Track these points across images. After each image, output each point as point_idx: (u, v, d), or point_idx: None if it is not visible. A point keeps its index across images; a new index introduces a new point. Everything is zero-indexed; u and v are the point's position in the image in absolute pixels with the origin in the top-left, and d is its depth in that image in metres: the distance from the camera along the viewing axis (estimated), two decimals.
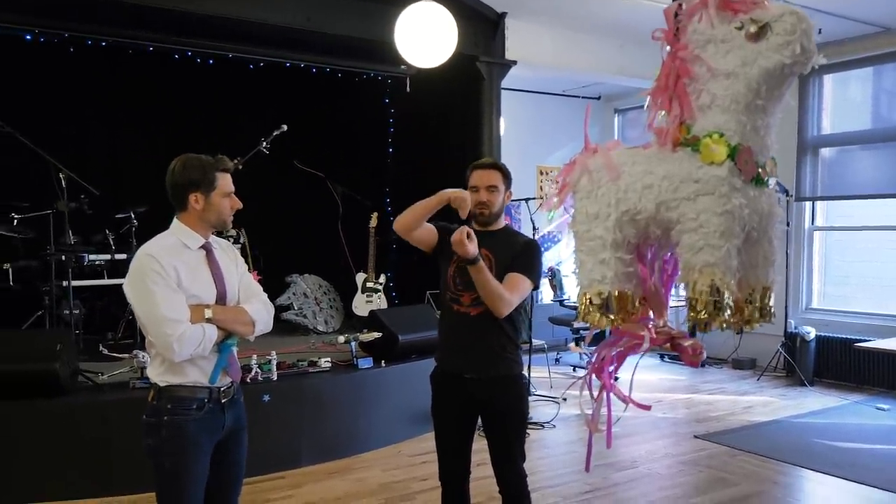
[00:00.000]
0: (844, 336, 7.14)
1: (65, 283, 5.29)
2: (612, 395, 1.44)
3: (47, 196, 5.43)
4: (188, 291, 2.50)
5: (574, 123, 9.62)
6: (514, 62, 6.76)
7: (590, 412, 1.47)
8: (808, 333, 7.26)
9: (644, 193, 1.25)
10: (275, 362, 4.86)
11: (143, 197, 5.95)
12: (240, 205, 2.65)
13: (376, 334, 5.34)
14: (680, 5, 1.31)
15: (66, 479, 4.16)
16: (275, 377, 4.83)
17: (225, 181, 2.60)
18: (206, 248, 2.62)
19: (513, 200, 8.64)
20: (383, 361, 5.36)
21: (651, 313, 1.42)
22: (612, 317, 1.29)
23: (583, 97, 9.70)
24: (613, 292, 1.30)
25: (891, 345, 5.29)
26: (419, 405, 5.44)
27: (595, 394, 1.51)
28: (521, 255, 2.95)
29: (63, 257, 5.18)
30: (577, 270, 1.30)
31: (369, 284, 6.94)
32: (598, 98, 9.85)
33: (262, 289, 2.79)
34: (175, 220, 2.61)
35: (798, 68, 1.27)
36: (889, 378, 6.87)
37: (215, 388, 2.57)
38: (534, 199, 7.45)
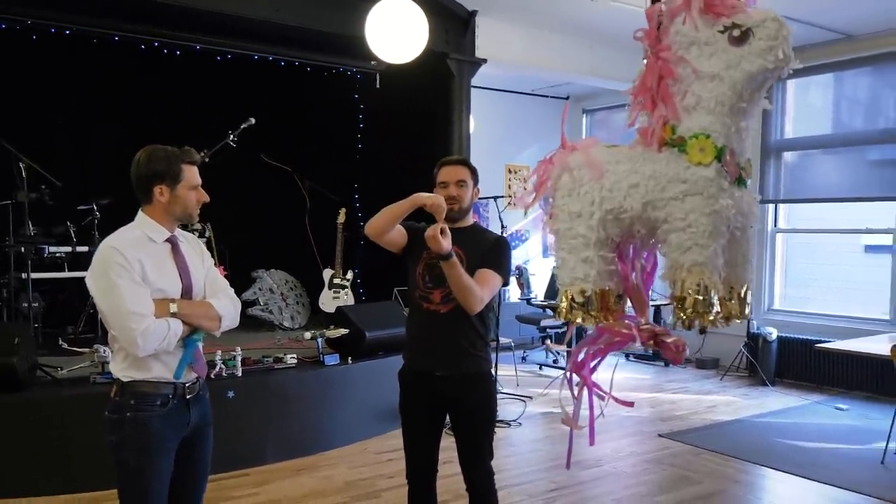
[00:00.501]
0: (805, 337, 7.27)
1: (23, 276, 5.16)
2: (593, 392, 1.44)
3: (5, 187, 5.31)
4: (153, 285, 2.45)
5: (543, 123, 9.67)
6: (485, 60, 6.76)
7: (570, 410, 1.47)
8: (770, 334, 7.38)
9: (630, 192, 1.26)
10: (239, 358, 4.80)
11: (107, 189, 5.84)
12: (206, 198, 2.60)
13: (343, 331, 5.30)
14: (661, 7, 1.31)
15: (25, 476, 4.07)
16: (239, 373, 4.77)
17: (191, 173, 2.55)
18: (172, 241, 2.57)
19: (481, 198, 8.66)
20: (350, 358, 5.33)
21: (630, 311, 1.43)
22: (594, 315, 1.30)
23: (551, 97, 9.76)
24: (596, 290, 1.30)
25: (850, 346, 5.39)
26: (385, 402, 5.42)
27: (575, 392, 1.51)
28: (490, 252, 2.96)
29: (22, 249, 5.05)
30: (557, 269, 1.29)
31: (336, 280, 6.89)
32: (567, 98, 9.90)
33: (228, 283, 2.75)
34: (140, 213, 2.56)
35: (777, 73, 1.29)
36: (848, 379, 7.01)
37: (180, 383, 2.52)
38: (502, 197, 7.45)
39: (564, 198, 1.26)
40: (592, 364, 1.47)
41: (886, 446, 4.97)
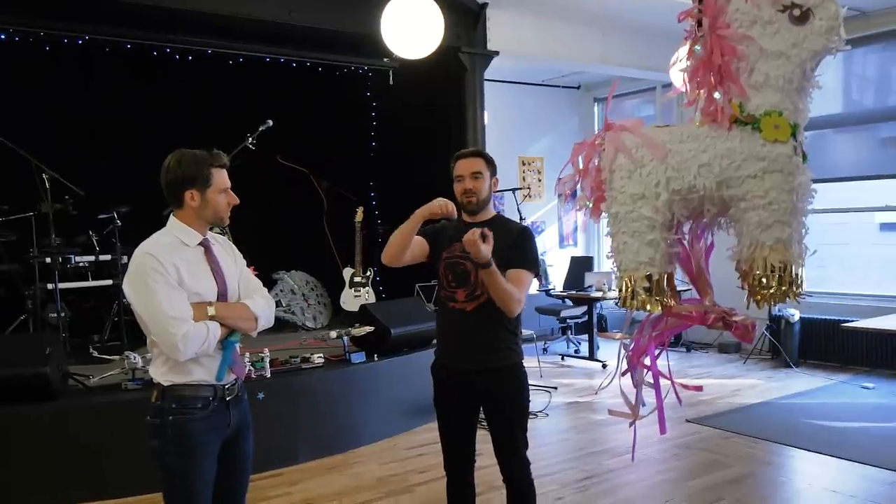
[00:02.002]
0: (827, 317, 7.24)
1: (49, 286, 5.20)
2: (658, 379, 1.43)
3: (28, 198, 5.35)
4: (190, 289, 2.46)
5: (554, 113, 9.67)
6: (497, 53, 6.75)
7: (629, 398, 1.46)
8: (793, 316, 7.36)
9: (700, 172, 1.24)
10: (268, 360, 4.83)
11: (126, 197, 5.89)
12: (236, 200, 2.61)
13: (368, 328, 5.32)
14: None
15: (59, 484, 4.10)
16: (268, 374, 4.80)
17: (221, 177, 2.55)
18: (205, 244, 2.58)
19: (497, 191, 8.67)
20: (376, 355, 5.35)
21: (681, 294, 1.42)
22: (660, 299, 1.29)
23: (563, 87, 9.73)
24: (662, 274, 1.29)
25: (876, 324, 5.37)
26: (413, 398, 5.46)
27: (633, 378, 1.50)
28: (516, 248, 2.94)
29: (48, 259, 5.09)
30: (616, 253, 1.28)
31: (357, 279, 6.92)
32: (578, 87, 9.89)
33: (261, 284, 2.77)
34: (171, 218, 2.57)
35: (832, 52, 1.30)
36: (872, 357, 6.99)
37: (220, 385, 2.54)
38: (519, 189, 7.46)
39: (624, 180, 1.25)
40: (656, 350, 1.47)
41: None
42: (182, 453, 2.47)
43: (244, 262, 2.78)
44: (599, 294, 7.71)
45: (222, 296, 2.57)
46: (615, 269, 1.31)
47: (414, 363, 5.55)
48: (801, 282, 1.43)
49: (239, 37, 6.16)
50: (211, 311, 2.48)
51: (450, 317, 2.99)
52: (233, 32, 6.02)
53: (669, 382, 1.48)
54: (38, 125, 6.16)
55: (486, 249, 2.67)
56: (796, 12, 1.25)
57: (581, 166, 1.30)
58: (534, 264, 2.96)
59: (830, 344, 7.27)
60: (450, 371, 3.01)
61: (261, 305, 2.64)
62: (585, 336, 8.33)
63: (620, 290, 1.28)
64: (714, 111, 1.27)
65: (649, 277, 1.27)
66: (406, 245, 2.90)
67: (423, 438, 5.23)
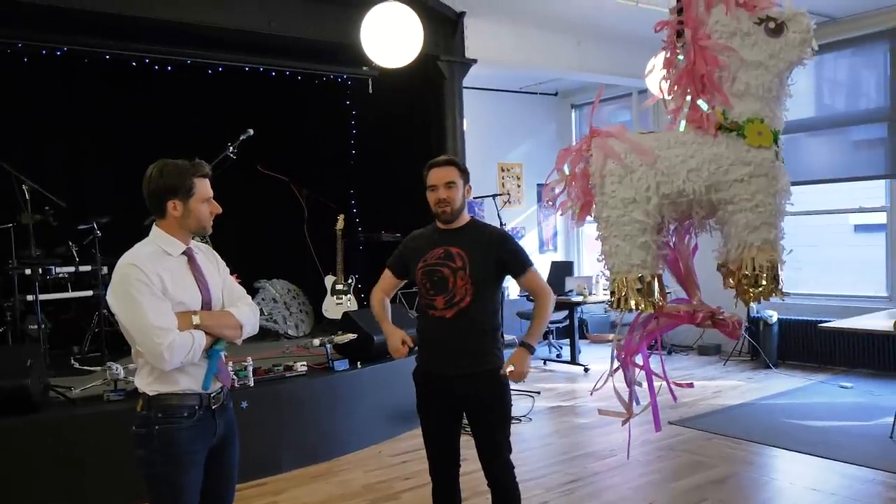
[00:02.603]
0: (805, 318, 7.34)
1: (29, 297, 5.15)
2: (651, 378, 1.47)
3: (6, 209, 5.31)
4: (174, 299, 2.46)
5: (532, 120, 9.74)
6: (475, 61, 6.81)
7: (618, 398, 1.49)
8: (771, 317, 7.45)
9: (689, 176, 1.29)
10: (251, 368, 4.82)
11: (106, 207, 5.85)
12: (219, 210, 2.61)
13: (351, 336, 5.33)
14: None
15: (40, 496, 4.05)
16: (252, 383, 4.79)
17: (203, 186, 2.55)
18: (188, 254, 2.58)
19: (476, 197, 8.71)
20: (359, 363, 5.35)
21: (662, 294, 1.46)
22: (652, 300, 1.33)
23: (540, 94, 9.81)
24: (654, 275, 1.34)
25: (853, 324, 5.46)
26: (397, 405, 5.47)
27: (626, 378, 1.54)
28: (509, 255, 3.03)
29: (27, 271, 5.04)
30: (607, 256, 1.31)
31: (338, 286, 6.92)
32: (556, 94, 9.97)
33: (245, 291, 2.77)
34: (154, 228, 2.57)
35: (803, 63, 1.36)
36: (850, 357, 7.11)
37: (205, 394, 2.54)
38: (499, 195, 7.50)
39: (615, 184, 1.29)
40: (648, 350, 1.50)
41: (894, 421, 5.04)
42: (169, 462, 2.47)
43: (227, 270, 2.78)
44: (580, 298, 7.76)
45: (206, 304, 2.56)
46: (605, 271, 1.34)
47: (397, 370, 5.55)
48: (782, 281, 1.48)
49: (219, 46, 6.14)
50: (196, 319, 2.48)
51: (430, 324, 3.02)
52: (212, 42, 6.01)
53: (661, 381, 1.51)
54: (17, 136, 6.13)
55: (528, 365, 2.98)
56: (771, 25, 1.32)
57: (568, 172, 1.33)
58: (528, 259, 3.09)
59: (808, 344, 7.38)
60: (432, 377, 3.04)
61: (245, 313, 2.64)
62: (567, 340, 8.38)
63: (613, 293, 1.31)
64: (700, 118, 1.32)
65: (641, 279, 1.31)
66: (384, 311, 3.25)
67: (408, 445, 5.24)
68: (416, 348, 3.16)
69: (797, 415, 5.71)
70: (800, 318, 7.42)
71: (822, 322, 5.78)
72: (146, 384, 2.50)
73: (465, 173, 3.08)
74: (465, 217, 3.09)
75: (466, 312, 2.92)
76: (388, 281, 3.23)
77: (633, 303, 1.32)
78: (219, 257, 2.78)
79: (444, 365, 2.97)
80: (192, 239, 2.68)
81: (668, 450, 4.99)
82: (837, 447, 4.85)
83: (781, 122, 1.36)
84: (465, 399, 3.00)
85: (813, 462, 4.66)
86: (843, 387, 6.52)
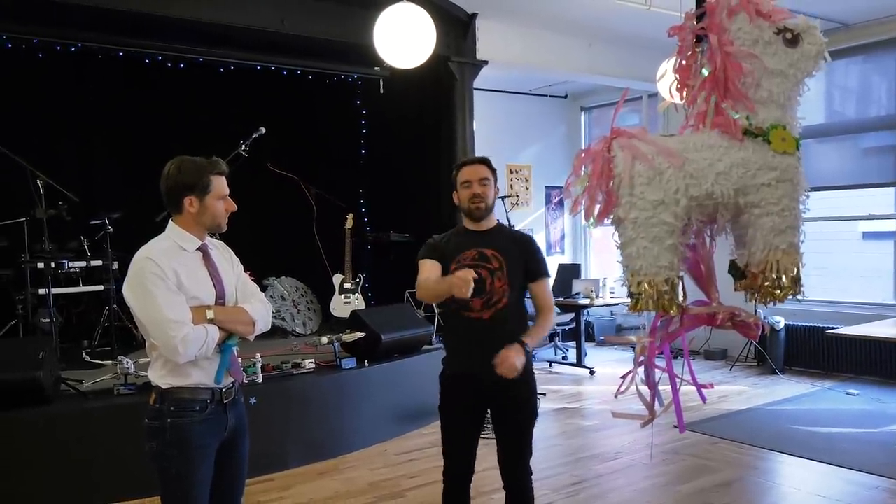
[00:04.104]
0: (812, 324, 7.34)
1: (42, 291, 5.20)
2: (674, 379, 1.49)
3: (19, 203, 5.36)
4: (188, 293, 2.49)
5: (541, 122, 9.75)
6: (486, 62, 6.84)
7: (647, 398, 1.52)
8: (778, 323, 7.44)
9: (718, 179, 1.32)
10: (260, 365, 4.85)
11: (118, 203, 5.90)
12: (234, 207, 2.64)
13: (359, 334, 5.35)
14: (714, 3, 1.38)
15: (51, 488, 4.10)
16: (260, 380, 4.82)
17: (219, 184, 2.58)
18: (203, 249, 2.61)
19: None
20: (366, 361, 5.38)
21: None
22: (679, 302, 1.36)
23: (550, 96, 9.82)
24: (680, 277, 1.37)
25: (861, 331, 5.45)
26: (404, 404, 5.50)
27: (649, 379, 1.56)
28: (533, 259, 3.03)
29: (40, 265, 5.09)
30: (633, 258, 1.33)
31: (346, 285, 6.95)
32: (565, 97, 9.98)
33: (258, 288, 2.80)
34: (170, 223, 2.61)
35: (814, 74, 1.40)
36: (856, 364, 7.09)
37: (217, 388, 2.57)
38: (507, 196, 7.52)
39: (643, 186, 1.31)
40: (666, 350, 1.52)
41: None
42: (180, 455, 2.50)
43: (241, 266, 2.80)
44: (587, 301, 7.77)
45: (220, 300, 2.60)
46: (627, 273, 1.35)
47: (404, 369, 5.60)
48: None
49: (231, 45, 6.20)
50: (210, 314, 2.51)
51: (466, 326, 2.97)
52: (225, 40, 6.07)
53: (684, 382, 1.54)
54: (32, 131, 6.18)
55: (520, 361, 2.79)
56: (788, 35, 1.35)
57: (590, 172, 1.35)
58: (547, 268, 3.10)
59: (815, 351, 7.36)
60: (464, 379, 2.99)
61: (259, 310, 2.67)
62: (573, 343, 8.39)
63: (640, 294, 1.33)
64: (726, 122, 1.34)
65: (668, 281, 1.33)
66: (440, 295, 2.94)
67: (414, 444, 5.27)
68: (446, 350, 3.14)
69: (803, 421, 5.71)
70: (807, 324, 7.42)
71: (829, 329, 5.78)
72: (159, 377, 2.53)
73: (495, 173, 3.08)
74: (493, 219, 3.09)
75: (503, 314, 2.91)
76: (430, 267, 3.00)
77: (658, 304, 1.34)
78: (233, 254, 2.81)
79: (480, 366, 2.87)
80: (210, 236, 2.72)
81: (673, 453, 5.00)
82: (843, 454, 4.85)
83: (799, 129, 1.39)
84: (495, 400, 2.97)
85: (818, 468, 4.67)
86: (849, 394, 6.52)
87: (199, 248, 2.60)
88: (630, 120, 9.62)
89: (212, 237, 2.85)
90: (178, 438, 2.50)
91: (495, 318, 2.90)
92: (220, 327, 2.53)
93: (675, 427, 5.37)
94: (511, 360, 2.78)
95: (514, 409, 2.99)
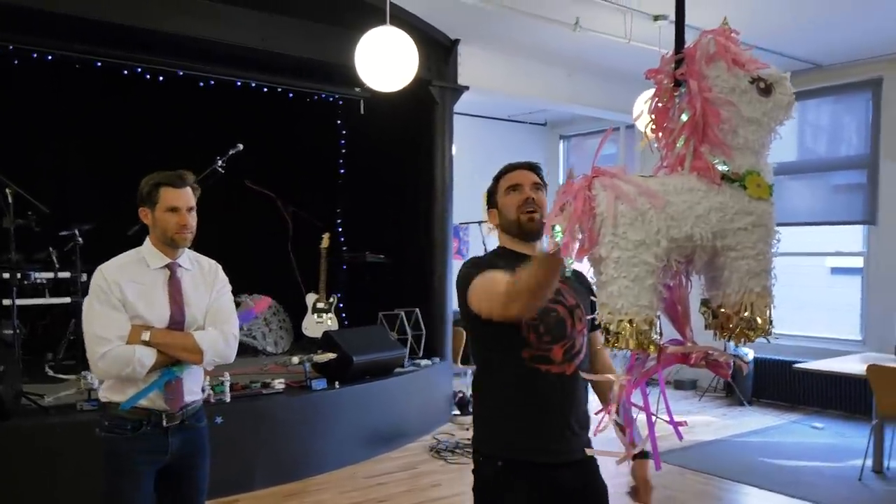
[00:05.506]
0: (781, 358, 7.42)
1: (6, 302, 5.10)
2: (651, 417, 1.50)
3: None
4: (132, 311, 2.45)
5: (520, 148, 9.78)
6: (467, 87, 6.88)
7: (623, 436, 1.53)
8: (746, 355, 7.51)
9: (697, 222, 1.35)
10: (228, 384, 4.79)
11: (90, 215, 5.82)
12: (185, 221, 2.54)
13: (331, 355, 5.32)
14: (692, 48, 1.42)
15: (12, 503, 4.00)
16: (228, 399, 4.76)
17: (168, 195, 2.52)
18: (171, 268, 2.56)
19: (462, 223, 8.66)
20: (337, 382, 5.33)
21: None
22: (656, 341, 1.39)
23: (529, 123, 9.91)
24: (657, 316, 1.39)
25: (827, 366, 5.53)
26: (374, 427, 5.46)
27: (625, 416, 1.57)
28: (590, 299, 2.08)
29: (6, 275, 4.99)
30: (614, 297, 1.35)
31: (320, 305, 6.91)
32: (545, 124, 10.08)
33: (233, 317, 2.68)
34: (146, 237, 2.60)
35: (784, 123, 1.45)
36: (822, 398, 7.18)
37: (156, 411, 2.49)
38: (484, 221, 7.52)
39: (626, 226, 1.34)
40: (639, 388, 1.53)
41: (863, 463, 5.10)
42: (111, 472, 2.48)
43: (227, 290, 2.72)
44: None
45: (177, 324, 2.53)
46: (605, 311, 1.37)
47: (376, 391, 5.56)
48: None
49: (211, 60, 6.15)
50: (145, 336, 2.44)
51: (538, 386, 2.08)
52: (205, 55, 6.03)
53: (659, 420, 1.55)
54: (4, 139, 6.07)
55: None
56: (762, 85, 1.40)
57: (571, 210, 1.37)
58: None
59: (783, 384, 7.44)
60: (528, 469, 2.08)
61: (209, 337, 2.55)
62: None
63: (620, 332, 1.35)
64: (704, 167, 1.38)
65: (647, 320, 1.35)
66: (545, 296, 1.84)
67: (385, 467, 5.22)
68: (494, 423, 2.17)
69: (769, 453, 5.75)
70: (775, 357, 7.50)
71: (796, 363, 5.85)
72: (102, 390, 2.54)
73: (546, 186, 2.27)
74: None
75: (582, 366, 2.12)
76: (496, 273, 2.00)
77: (637, 343, 1.36)
78: (221, 276, 2.73)
79: (560, 447, 2.09)
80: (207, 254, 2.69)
81: None
82: (808, 486, 4.89)
83: (772, 175, 1.44)
84: (568, 498, 2.14)
85: (783, 501, 4.70)
86: (814, 427, 6.59)
87: (166, 266, 2.55)
88: (607, 150, 9.73)
89: (206, 255, 2.79)
90: (108, 454, 2.49)
91: (576, 374, 2.10)
92: (161, 350, 2.46)
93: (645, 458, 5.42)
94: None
95: None
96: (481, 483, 2.14)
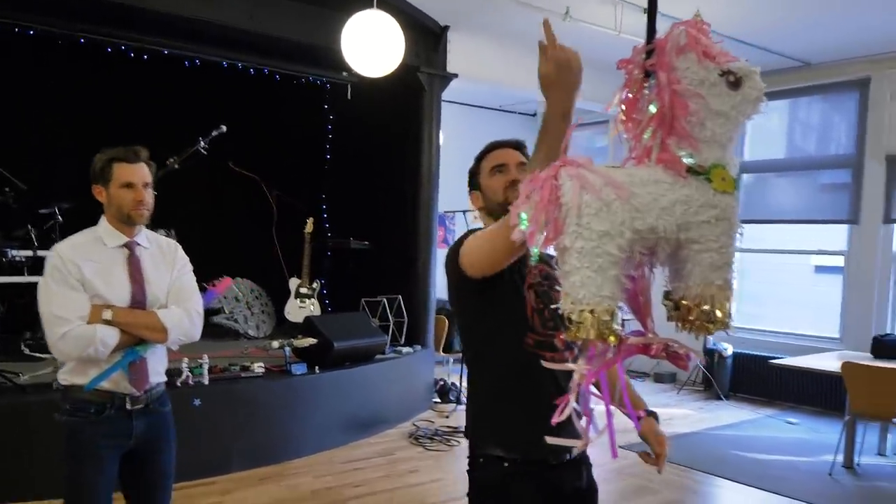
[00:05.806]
0: (759, 353, 7.48)
1: None
2: (609, 407, 1.51)
3: None
4: (91, 291, 2.38)
5: (509, 137, 9.79)
6: (455, 75, 6.85)
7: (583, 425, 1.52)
8: (726, 350, 7.58)
9: (661, 214, 1.35)
10: (206, 366, 4.78)
11: (69, 193, 5.76)
12: (142, 197, 2.47)
13: (311, 340, 5.31)
14: (663, 40, 1.41)
15: None
16: (206, 381, 4.75)
17: (122, 171, 2.45)
18: (129, 246, 2.50)
19: (447, 212, 8.65)
20: (317, 368, 5.34)
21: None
22: (618, 331, 1.38)
23: (518, 113, 9.90)
24: (619, 307, 1.39)
25: (803, 363, 5.59)
26: (353, 412, 5.47)
27: (584, 406, 1.57)
28: None
29: None
30: (576, 287, 1.34)
31: (302, 290, 6.90)
32: (534, 115, 10.06)
33: (196, 295, 2.63)
34: (102, 217, 2.54)
35: (751, 118, 1.45)
36: (798, 394, 7.25)
37: (119, 393, 2.45)
38: (470, 210, 7.51)
39: (590, 216, 1.33)
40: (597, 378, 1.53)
41: (834, 459, 5.16)
42: (72, 456, 2.44)
43: (188, 269, 2.67)
44: None
45: (139, 303, 2.47)
46: (568, 300, 1.37)
47: (356, 377, 5.57)
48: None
49: (198, 40, 6.10)
50: (107, 315, 2.38)
51: (541, 378, 1.81)
52: (191, 35, 5.97)
53: (617, 409, 1.55)
54: None
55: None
56: (731, 78, 1.38)
57: (537, 199, 1.36)
58: None
59: (760, 379, 7.51)
60: (537, 468, 1.94)
61: (173, 316, 2.49)
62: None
63: (581, 323, 1.34)
64: (670, 159, 1.38)
65: (609, 310, 1.35)
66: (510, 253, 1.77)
67: (362, 452, 5.24)
68: (497, 420, 1.99)
69: (744, 447, 5.81)
70: (754, 352, 7.56)
71: (773, 358, 5.90)
72: (62, 374, 2.47)
73: None
74: None
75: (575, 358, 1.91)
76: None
77: (599, 333, 1.35)
78: (180, 255, 2.68)
79: (564, 446, 1.80)
80: (167, 232, 2.65)
81: (616, 473, 5.05)
82: (780, 480, 4.95)
83: (737, 169, 1.44)
84: (571, 498, 2.04)
85: (755, 494, 4.75)
86: (789, 422, 6.66)
87: (124, 245, 2.49)
88: (598, 143, 9.74)
89: (166, 234, 2.77)
90: (70, 438, 2.43)
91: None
92: (124, 330, 2.40)
93: (620, 448, 5.46)
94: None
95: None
96: (482, 486, 1.96)
